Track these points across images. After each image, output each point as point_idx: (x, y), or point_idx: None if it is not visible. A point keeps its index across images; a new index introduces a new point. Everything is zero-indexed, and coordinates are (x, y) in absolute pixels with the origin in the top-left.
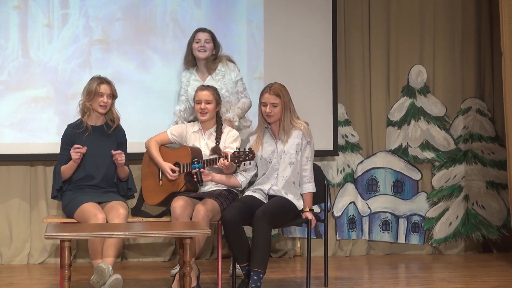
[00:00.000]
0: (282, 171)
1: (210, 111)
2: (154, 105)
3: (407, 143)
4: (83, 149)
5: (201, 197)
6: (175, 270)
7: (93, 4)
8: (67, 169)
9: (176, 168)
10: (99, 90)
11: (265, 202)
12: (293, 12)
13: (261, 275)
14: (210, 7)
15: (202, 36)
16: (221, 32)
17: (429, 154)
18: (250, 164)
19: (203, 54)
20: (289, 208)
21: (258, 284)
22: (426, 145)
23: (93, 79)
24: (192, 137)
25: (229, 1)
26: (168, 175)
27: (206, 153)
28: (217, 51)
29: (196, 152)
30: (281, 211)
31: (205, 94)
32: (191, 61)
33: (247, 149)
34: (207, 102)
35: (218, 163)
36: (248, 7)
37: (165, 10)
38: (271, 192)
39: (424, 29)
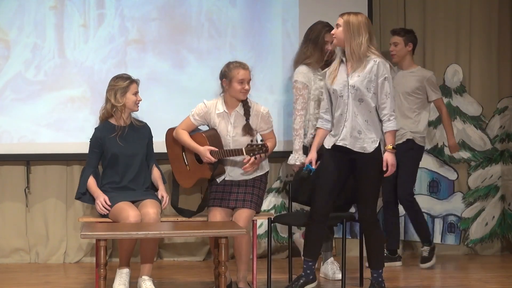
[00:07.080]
0: (352, 107)
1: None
2: (189, 104)
3: (443, 143)
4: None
5: (233, 207)
6: None
7: (129, 4)
8: (90, 187)
9: (215, 149)
10: (135, 90)
11: (335, 176)
12: (328, 10)
13: (380, 271)
14: (245, 7)
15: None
16: (256, 31)
17: (465, 154)
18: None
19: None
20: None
21: (380, 279)
22: (462, 145)
23: (126, 79)
24: (217, 121)
25: (264, 0)
26: (207, 160)
27: (229, 140)
28: None
29: (212, 140)
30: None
31: (248, 73)
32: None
33: (259, 142)
34: (249, 82)
35: (247, 164)
36: (283, 6)
37: (200, 10)
38: (340, 143)
39: (460, 28)
